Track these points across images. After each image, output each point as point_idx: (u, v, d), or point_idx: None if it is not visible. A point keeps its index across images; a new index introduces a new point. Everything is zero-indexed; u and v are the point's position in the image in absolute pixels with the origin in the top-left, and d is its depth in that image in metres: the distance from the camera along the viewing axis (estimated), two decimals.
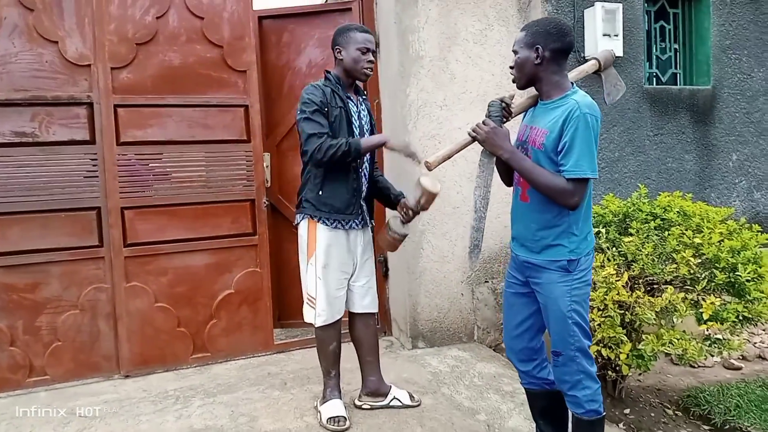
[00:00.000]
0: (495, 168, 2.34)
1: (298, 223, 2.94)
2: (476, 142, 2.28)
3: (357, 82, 2.95)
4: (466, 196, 4.02)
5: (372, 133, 3.00)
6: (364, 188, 2.95)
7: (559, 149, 2.11)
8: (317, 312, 2.90)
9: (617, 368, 3.10)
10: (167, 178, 3.70)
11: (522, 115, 2.44)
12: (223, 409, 3.16)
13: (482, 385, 3.41)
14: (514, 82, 2.31)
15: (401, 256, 3.98)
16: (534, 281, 2.29)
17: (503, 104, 2.27)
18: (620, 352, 2.97)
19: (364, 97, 3.04)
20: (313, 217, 2.84)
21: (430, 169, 2.35)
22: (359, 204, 2.90)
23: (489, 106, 2.28)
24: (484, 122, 2.24)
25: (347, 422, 2.88)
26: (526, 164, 2.17)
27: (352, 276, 2.99)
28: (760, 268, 2.98)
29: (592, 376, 2.24)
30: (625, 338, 2.97)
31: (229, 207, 3.83)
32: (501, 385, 3.40)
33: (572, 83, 2.26)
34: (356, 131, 2.86)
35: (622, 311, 2.99)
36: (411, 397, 3.13)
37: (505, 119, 2.29)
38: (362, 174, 2.93)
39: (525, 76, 2.25)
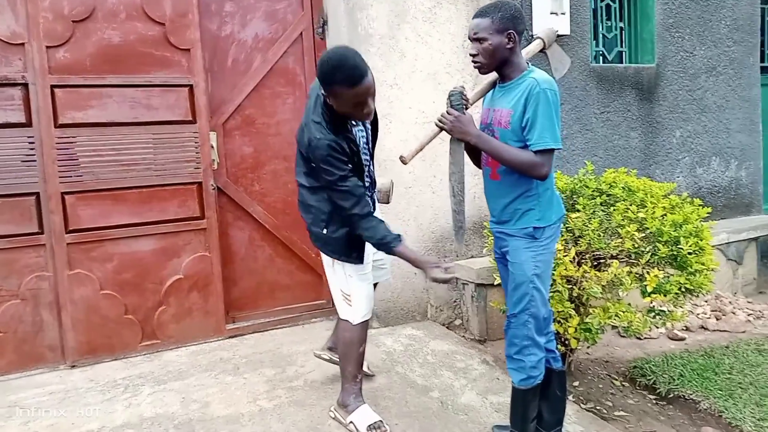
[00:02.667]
0: (464, 152, 2.43)
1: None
2: (443, 131, 2.35)
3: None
4: (418, 177, 4.02)
5: (375, 134, 2.80)
6: (372, 199, 2.78)
7: (523, 125, 2.21)
8: (355, 309, 2.69)
9: (566, 342, 3.17)
10: (110, 161, 3.58)
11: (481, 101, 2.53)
12: (174, 396, 3.11)
13: (435, 362, 3.44)
14: (479, 68, 2.31)
15: None
16: (504, 249, 2.42)
17: (462, 94, 2.33)
18: (568, 326, 3.03)
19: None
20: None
21: (405, 163, 2.44)
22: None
23: (449, 96, 2.34)
24: (447, 112, 2.32)
25: (386, 425, 2.67)
26: (494, 144, 2.27)
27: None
28: (701, 241, 3.07)
29: (539, 345, 2.35)
30: (573, 312, 3.03)
31: (176, 190, 3.73)
32: (454, 362, 3.44)
33: (528, 63, 2.35)
34: (363, 157, 2.62)
35: (570, 286, 3.05)
36: (367, 367, 3.10)
37: (465, 108, 2.35)
38: (370, 200, 2.73)
39: (496, 61, 2.28)
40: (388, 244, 2.47)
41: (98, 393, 3.18)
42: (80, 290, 3.55)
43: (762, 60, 5.82)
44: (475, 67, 2.33)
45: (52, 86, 3.44)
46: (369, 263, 2.75)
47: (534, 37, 2.59)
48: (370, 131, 2.77)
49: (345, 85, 2.27)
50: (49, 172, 3.44)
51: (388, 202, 3.03)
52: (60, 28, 3.43)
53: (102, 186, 3.57)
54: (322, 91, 2.37)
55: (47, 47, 3.42)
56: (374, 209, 2.78)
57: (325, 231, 2.61)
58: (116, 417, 2.91)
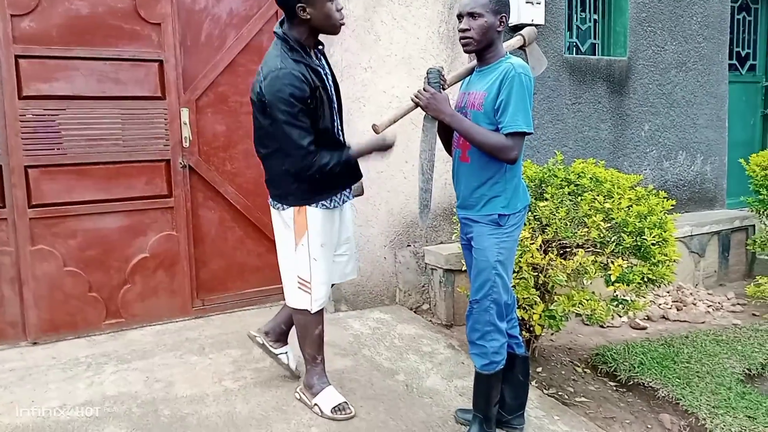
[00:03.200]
0: (438, 132, 2.44)
1: (282, 210, 2.58)
2: (418, 108, 2.36)
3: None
4: (391, 162, 4.01)
5: (338, 94, 2.65)
6: None
7: (496, 107, 2.24)
8: (313, 297, 2.61)
9: (530, 328, 3.22)
10: (75, 135, 3.50)
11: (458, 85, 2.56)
12: (138, 375, 3.08)
13: (402, 346, 3.46)
14: (467, 44, 2.32)
15: None
16: (470, 236, 2.45)
17: (441, 73, 2.34)
18: (533, 313, 3.08)
19: (321, 45, 2.59)
20: (308, 203, 2.53)
21: (377, 132, 2.42)
22: None
23: (428, 73, 2.35)
24: (424, 89, 2.32)
25: (351, 407, 2.67)
26: (466, 124, 2.29)
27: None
28: (665, 232, 3.13)
29: (501, 330, 2.39)
30: (538, 299, 3.08)
31: (144, 167, 3.67)
32: (420, 346, 3.47)
33: (506, 52, 2.39)
34: (334, 106, 2.55)
35: (536, 273, 3.09)
36: (296, 368, 2.98)
37: (442, 88, 2.36)
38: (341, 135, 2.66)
39: (486, 40, 2.31)
40: (348, 159, 2.50)
41: (60, 371, 3.14)
42: (43, 266, 3.48)
43: (730, 57, 5.93)
44: (463, 44, 2.34)
45: (17, 56, 3.34)
46: (332, 248, 2.69)
47: (515, 34, 2.63)
48: (336, 90, 2.65)
49: None
50: (12, 145, 3.35)
51: (362, 194, 2.99)
52: None
53: (67, 161, 3.49)
54: (300, 5, 2.34)
55: (12, 15, 3.31)
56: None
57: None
58: (78, 395, 2.87)
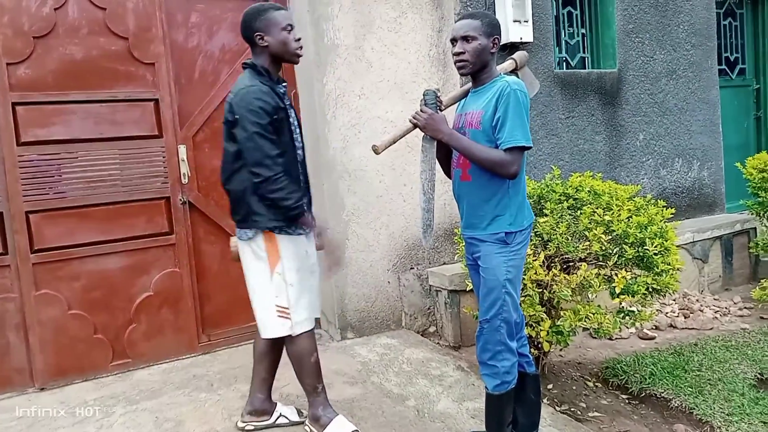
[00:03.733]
0: (436, 154, 2.47)
1: (249, 239, 2.57)
2: (417, 128, 2.40)
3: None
4: (389, 185, 4.03)
5: (300, 128, 2.70)
6: (307, 189, 2.72)
7: (493, 124, 2.27)
8: (294, 320, 2.57)
9: (539, 345, 3.20)
10: (75, 178, 3.52)
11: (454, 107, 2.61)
12: (147, 415, 3.06)
13: (411, 371, 3.44)
14: (462, 67, 2.37)
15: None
16: (476, 255, 2.44)
17: (437, 94, 2.39)
18: (540, 330, 3.07)
19: (285, 82, 2.67)
20: (272, 229, 2.53)
21: (377, 153, 2.43)
22: (309, 201, 2.71)
23: (424, 95, 2.39)
24: (421, 110, 2.36)
25: None
26: (465, 142, 2.31)
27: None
28: (666, 241, 3.14)
29: (512, 349, 2.37)
30: (544, 316, 3.07)
31: (143, 206, 3.68)
32: (429, 369, 3.45)
33: (500, 72, 2.45)
34: (295, 130, 2.59)
35: (540, 290, 3.09)
36: (299, 412, 2.88)
37: (438, 109, 2.40)
38: (303, 177, 2.67)
39: (480, 62, 2.37)
40: (301, 211, 2.47)
41: (69, 416, 3.11)
42: (47, 311, 3.47)
43: (719, 63, 5.99)
44: (458, 67, 2.38)
45: (14, 104, 3.37)
46: (308, 273, 2.66)
47: (506, 57, 2.68)
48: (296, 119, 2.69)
49: (274, 9, 2.52)
50: (12, 191, 3.37)
51: (336, 265, 2.86)
52: (20, 44, 3.37)
53: (67, 204, 3.51)
54: (258, 34, 2.50)
55: (7, 64, 3.35)
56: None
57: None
58: None
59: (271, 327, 2.63)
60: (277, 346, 2.77)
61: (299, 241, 2.61)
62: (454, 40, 2.38)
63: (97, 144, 3.57)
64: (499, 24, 2.44)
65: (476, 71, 2.40)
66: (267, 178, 2.40)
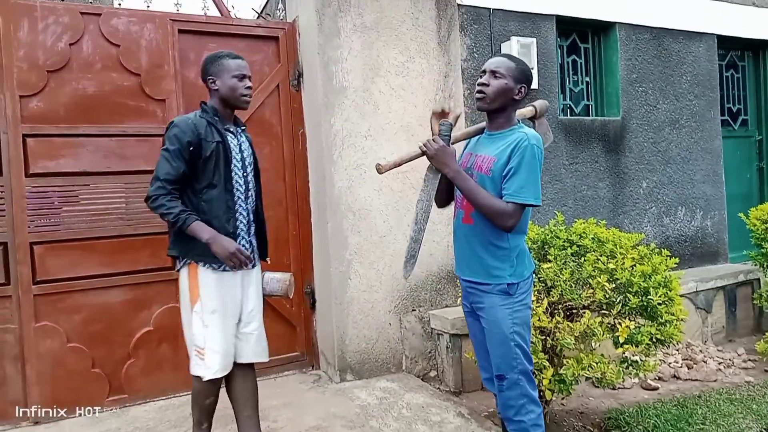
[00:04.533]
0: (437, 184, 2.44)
1: (178, 270, 2.66)
2: (425, 156, 2.37)
3: (235, 112, 2.78)
4: (393, 226, 4.04)
5: (256, 166, 2.81)
6: (249, 226, 2.75)
7: (504, 174, 2.24)
8: (206, 364, 2.58)
9: (541, 393, 3.15)
10: (80, 210, 3.54)
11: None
12: None
13: (410, 416, 3.39)
14: (481, 99, 2.35)
15: (328, 286, 3.94)
16: (477, 306, 2.39)
17: (452, 127, 2.37)
18: (543, 378, 3.03)
19: (243, 128, 2.83)
20: (197, 261, 2.58)
21: (380, 173, 2.42)
22: (244, 244, 2.70)
23: (440, 124, 2.38)
24: (434, 139, 2.34)
25: None
26: (470, 184, 2.28)
27: (240, 321, 2.72)
28: (670, 291, 3.13)
29: (535, 400, 2.32)
30: (547, 363, 3.04)
31: (148, 240, 3.69)
32: (429, 415, 3.40)
33: (518, 120, 2.41)
34: (237, 165, 2.66)
35: (543, 337, 3.07)
36: None
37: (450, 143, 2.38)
38: (244, 212, 2.71)
39: (500, 102, 2.34)
40: (185, 221, 2.48)
41: None
42: (46, 343, 3.45)
43: (722, 114, 6.05)
44: (477, 98, 2.37)
45: (24, 135, 3.42)
46: (229, 317, 2.65)
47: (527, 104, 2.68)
48: (255, 160, 2.84)
49: (230, 57, 2.69)
50: (18, 222, 3.39)
51: (281, 295, 2.88)
52: (34, 78, 3.44)
53: (72, 236, 3.52)
54: (210, 77, 2.67)
55: (20, 96, 3.41)
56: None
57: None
58: None
59: (191, 364, 2.66)
60: (239, 376, 2.75)
61: (224, 279, 2.61)
62: (483, 72, 2.37)
63: (104, 177, 3.60)
64: (531, 77, 2.41)
65: (493, 111, 2.37)
66: (149, 195, 2.53)
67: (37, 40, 3.44)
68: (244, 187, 2.71)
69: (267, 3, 5.40)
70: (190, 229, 2.48)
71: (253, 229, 2.79)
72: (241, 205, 2.69)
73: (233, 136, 2.71)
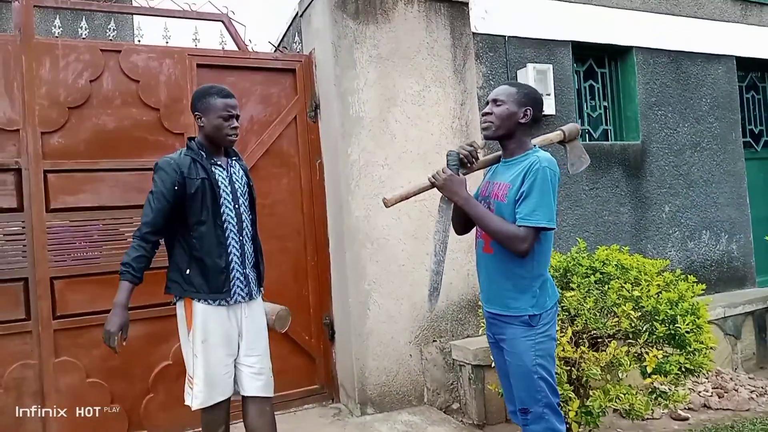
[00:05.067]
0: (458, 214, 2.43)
1: (175, 303, 2.68)
2: (434, 188, 2.37)
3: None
4: (411, 254, 4.00)
5: (251, 195, 2.82)
6: (245, 258, 2.71)
7: (517, 198, 2.22)
8: (194, 394, 2.59)
9: (567, 426, 3.07)
10: (101, 244, 3.56)
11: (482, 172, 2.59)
12: None
13: None
14: (486, 128, 2.37)
15: (347, 317, 3.90)
16: (499, 337, 2.35)
17: (472, 148, 2.38)
18: (569, 410, 2.95)
19: (236, 157, 2.82)
20: (191, 297, 2.60)
21: (387, 206, 2.42)
22: (239, 277, 2.67)
23: (447, 155, 2.38)
24: (442, 170, 2.34)
25: None
26: (480, 210, 2.28)
27: (238, 354, 2.68)
28: (698, 318, 3.05)
29: None
30: (572, 395, 2.96)
31: (166, 273, 3.67)
32: None
33: (534, 145, 2.39)
34: (227, 199, 2.65)
35: (568, 367, 2.99)
36: None
37: (468, 169, 2.39)
38: (237, 245, 2.68)
39: (504, 128, 2.34)
40: (121, 273, 2.54)
41: None
42: (66, 378, 3.44)
43: (744, 135, 5.97)
44: (483, 127, 2.38)
45: (46, 171, 3.45)
46: (220, 348, 2.61)
47: (556, 128, 2.65)
48: (249, 189, 2.85)
49: (218, 95, 2.66)
50: (39, 257, 3.41)
51: (278, 329, 2.94)
52: (55, 114, 3.49)
53: (92, 270, 3.53)
54: (197, 114, 2.68)
55: (42, 133, 3.46)
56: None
57: (188, 271, 2.60)
58: None
59: (185, 394, 2.69)
60: (253, 411, 2.70)
61: (219, 313, 2.61)
62: (487, 103, 2.40)
63: (124, 212, 3.61)
64: (540, 101, 2.39)
65: (502, 138, 2.37)
66: (133, 236, 2.58)
67: (59, 77, 3.50)
68: (236, 219, 2.70)
69: (284, 36, 5.47)
70: (120, 282, 2.57)
71: (250, 261, 2.75)
72: (233, 239, 2.67)
73: (222, 169, 2.70)
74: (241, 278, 2.69)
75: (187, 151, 2.67)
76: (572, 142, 2.60)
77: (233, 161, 2.80)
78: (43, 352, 3.41)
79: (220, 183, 2.65)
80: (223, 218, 2.64)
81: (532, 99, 2.36)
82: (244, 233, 2.73)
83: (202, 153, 2.66)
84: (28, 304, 3.41)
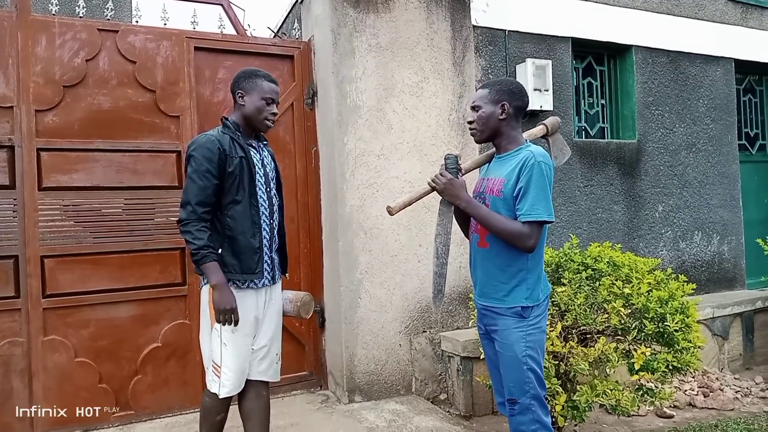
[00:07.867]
0: (453, 216, 2.45)
1: (202, 286, 2.64)
2: (435, 191, 2.39)
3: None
4: (404, 244, 4.00)
5: (278, 180, 2.80)
6: (272, 242, 2.72)
7: (515, 194, 2.23)
8: (222, 382, 2.57)
9: (553, 420, 3.08)
10: (92, 225, 3.54)
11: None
12: None
13: None
14: (473, 134, 2.41)
15: (338, 305, 3.90)
16: (491, 328, 2.37)
17: (458, 160, 2.39)
18: (555, 404, 2.97)
19: (265, 142, 2.82)
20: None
21: (391, 214, 2.43)
22: (267, 260, 2.67)
23: (445, 159, 2.39)
24: (441, 174, 2.35)
25: None
26: (482, 211, 2.29)
27: (255, 338, 2.69)
28: (688, 318, 3.06)
29: (547, 426, 2.28)
30: (560, 389, 2.97)
31: (158, 255, 3.68)
32: None
33: (526, 140, 2.41)
34: (260, 180, 2.65)
35: (557, 362, 3.01)
36: None
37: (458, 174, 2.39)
38: (267, 227, 2.68)
39: (489, 129, 2.36)
40: (202, 258, 2.45)
41: None
42: (54, 357, 3.43)
43: (740, 138, 5.99)
44: (471, 135, 2.42)
45: (39, 149, 3.43)
46: (248, 336, 2.63)
47: (538, 123, 2.66)
48: (277, 174, 2.82)
49: (265, 78, 2.66)
50: (29, 236, 3.39)
51: (301, 316, 2.87)
52: (50, 92, 3.46)
53: (83, 250, 3.51)
54: (240, 91, 2.65)
55: (36, 111, 3.43)
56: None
57: (219, 251, 2.54)
58: None
59: (207, 380, 2.65)
60: (252, 394, 2.71)
61: (246, 297, 2.59)
62: (470, 108, 2.43)
63: (116, 192, 3.60)
64: (516, 90, 2.38)
65: (491, 138, 2.40)
66: (180, 219, 2.51)
67: (55, 55, 3.47)
68: (267, 202, 2.70)
69: (283, 22, 5.44)
70: (204, 267, 2.47)
71: (276, 244, 2.77)
72: (265, 221, 2.67)
73: (255, 152, 2.69)
74: (268, 261, 2.69)
75: (224, 129, 2.63)
76: (554, 135, 2.64)
77: (263, 146, 2.79)
78: (31, 330, 3.40)
79: (255, 163, 2.65)
80: (258, 199, 2.64)
81: (507, 92, 2.36)
82: (273, 217, 2.73)
83: (239, 133, 2.64)
84: (18, 281, 3.40)
